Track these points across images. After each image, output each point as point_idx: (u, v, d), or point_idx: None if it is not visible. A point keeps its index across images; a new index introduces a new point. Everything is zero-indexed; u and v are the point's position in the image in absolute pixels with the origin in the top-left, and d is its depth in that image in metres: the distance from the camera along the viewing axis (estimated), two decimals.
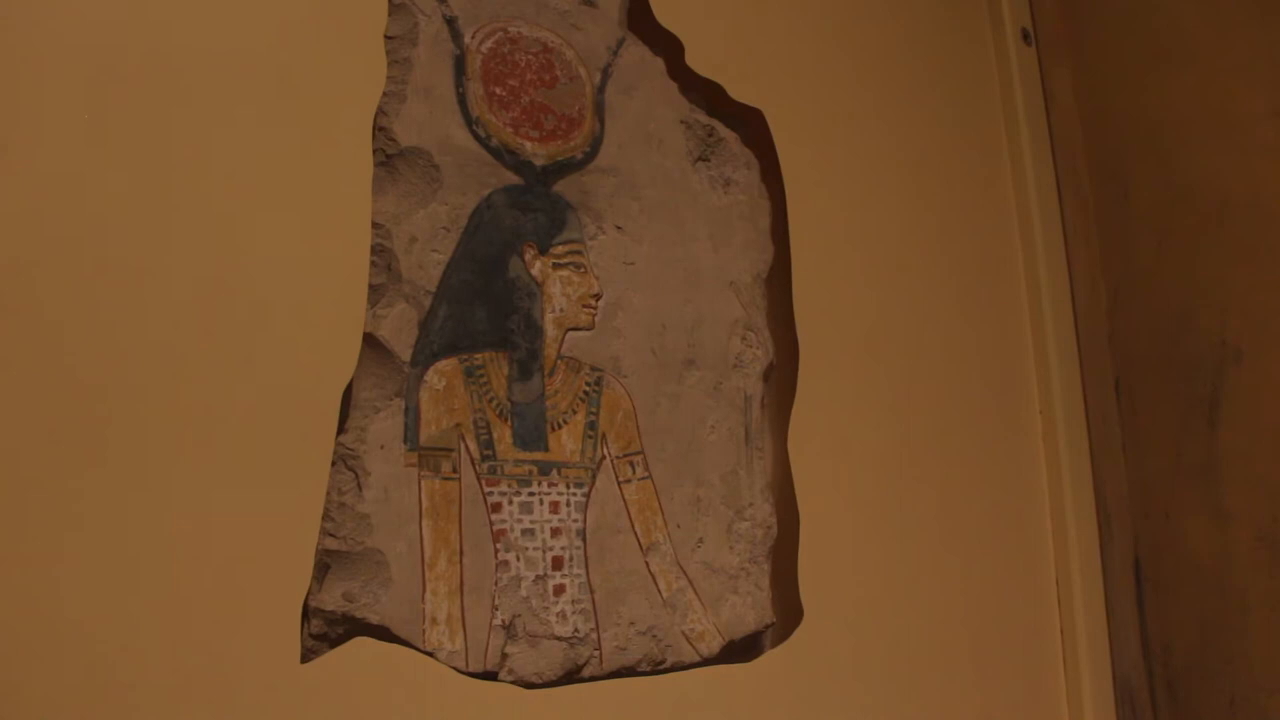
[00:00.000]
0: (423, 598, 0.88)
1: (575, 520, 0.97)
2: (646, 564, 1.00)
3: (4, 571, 0.72)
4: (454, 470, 0.92)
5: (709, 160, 1.16)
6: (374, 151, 0.94)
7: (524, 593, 0.93)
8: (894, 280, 1.26)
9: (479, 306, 0.97)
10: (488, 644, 0.90)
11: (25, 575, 0.73)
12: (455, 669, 0.88)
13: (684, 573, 1.02)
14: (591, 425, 1.00)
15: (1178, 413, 1.26)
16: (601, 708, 0.94)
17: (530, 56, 1.05)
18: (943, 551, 1.21)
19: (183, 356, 0.81)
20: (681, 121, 1.14)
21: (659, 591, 1.00)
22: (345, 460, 0.88)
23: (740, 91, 1.17)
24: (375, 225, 0.93)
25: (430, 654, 0.87)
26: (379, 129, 0.94)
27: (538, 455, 0.97)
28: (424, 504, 0.90)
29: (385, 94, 0.95)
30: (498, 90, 1.02)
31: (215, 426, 0.82)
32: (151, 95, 0.84)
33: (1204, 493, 1.22)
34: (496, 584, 0.92)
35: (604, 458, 1.01)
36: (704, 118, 1.16)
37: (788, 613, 1.08)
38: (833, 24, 1.31)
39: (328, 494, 0.86)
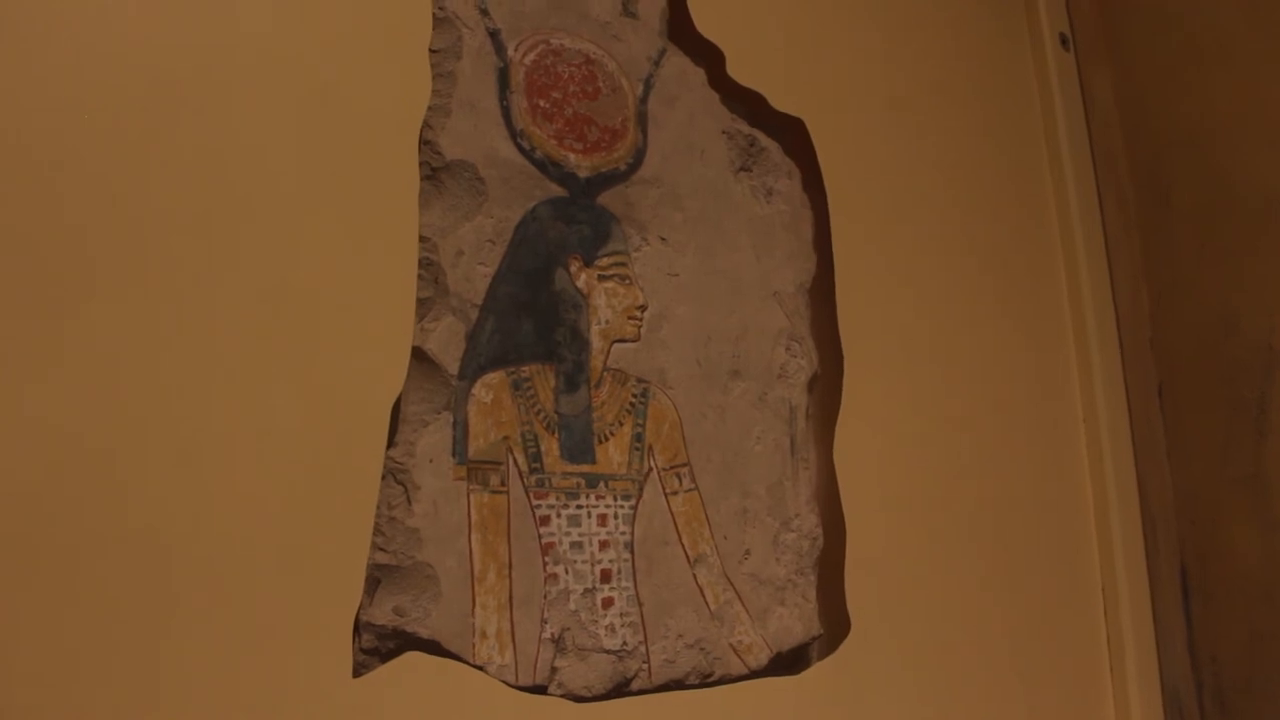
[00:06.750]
0: (472, 611, 0.88)
1: (623, 533, 0.97)
2: (694, 576, 1.00)
3: (52, 580, 0.73)
4: (502, 483, 0.92)
5: (751, 170, 1.15)
6: (420, 165, 0.94)
7: (573, 606, 0.93)
8: (936, 288, 1.26)
9: (525, 319, 0.97)
10: (537, 657, 0.90)
11: (73, 586, 0.73)
12: (505, 683, 0.88)
13: (731, 585, 1.02)
14: (638, 437, 1.00)
15: (1223, 418, 1.24)
16: None
17: (573, 68, 1.05)
18: (989, 561, 1.20)
19: (232, 371, 0.82)
20: (723, 132, 1.14)
21: (706, 604, 1.00)
22: (395, 474, 0.88)
23: (781, 101, 1.17)
24: (422, 239, 0.93)
25: (480, 668, 0.87)
26: (425, 142, 0.95)
27: (585, 468, 0.96)
28: (473, 517, 0.90)
29: (430, 108, 0.95)
30: (541, 102, 1.02)
31: (265, 441, 0.82)
32: (198, 110, 0.85)
33: (1251, 500, 1.20)
34: (545, 597, 0.92)
35: (651, 470, 1.00)
36: (745, 128, 1.15)
37: (835, 624, 1.07)
38: (872, 32, 1.31)
39: (378, 508, 0.86)
